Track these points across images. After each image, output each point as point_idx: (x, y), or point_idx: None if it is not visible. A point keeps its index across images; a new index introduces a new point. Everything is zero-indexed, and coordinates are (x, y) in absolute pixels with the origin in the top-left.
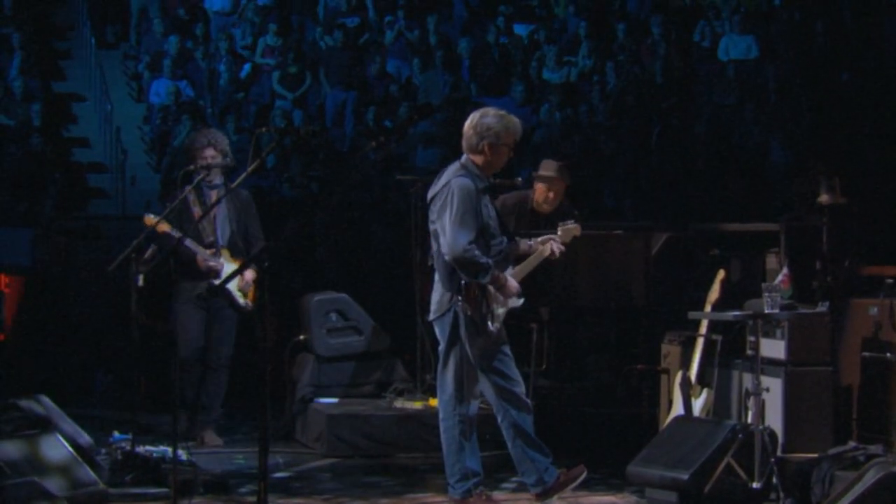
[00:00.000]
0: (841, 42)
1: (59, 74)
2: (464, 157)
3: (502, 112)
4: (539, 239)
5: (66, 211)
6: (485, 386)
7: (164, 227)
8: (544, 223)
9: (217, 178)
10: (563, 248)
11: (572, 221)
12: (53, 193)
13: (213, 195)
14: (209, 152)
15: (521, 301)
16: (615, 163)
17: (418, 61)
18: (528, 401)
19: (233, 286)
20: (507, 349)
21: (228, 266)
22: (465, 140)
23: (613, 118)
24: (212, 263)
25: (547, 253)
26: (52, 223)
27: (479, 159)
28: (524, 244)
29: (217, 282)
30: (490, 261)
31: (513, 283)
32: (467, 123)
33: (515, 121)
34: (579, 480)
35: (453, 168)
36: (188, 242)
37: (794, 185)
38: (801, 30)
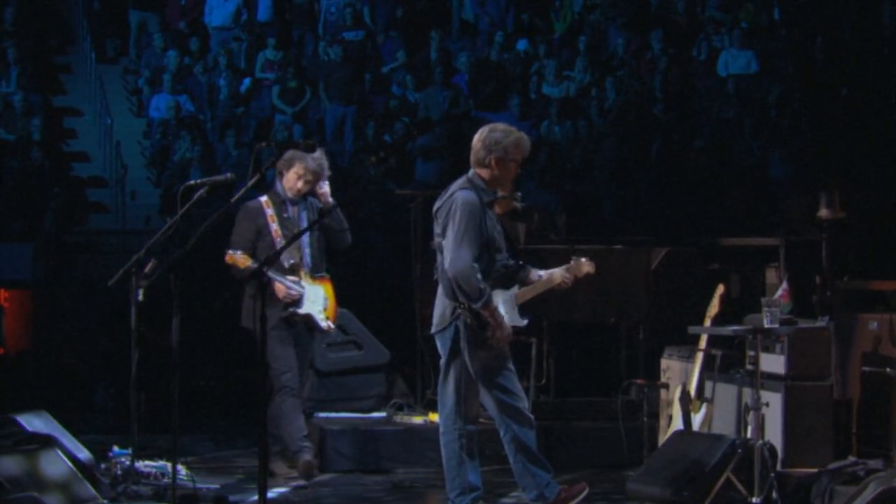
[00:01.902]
0: (840, 57)
1: (60, 89)
2: (471, 171)
3: (512, 128)
4: (549, 271)
5: (66, 225)
6: (487, 400)
7: (246, 260)
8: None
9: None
10: (572, 280)
11: (587, 258)
12: (53, 208)
13: (296, 211)
14: (308, 176)
15: (525, 321)
16: (615, 177)
17: (411, 78)
18: (531, 416)
19: (315, 308)
20: (510, 364)
21: (309, 289)
22: (473, 154)
23: (613, 133)
24: (293, 292)
25: (555, 283)
26: (53, 237)
27: (485, 173)
28: (535, 275)
29: (301, 310)
30: (488, 288)
31: (507, 329)
32: (476, 137)
33: (524, 137)
34: (581, 497)
35: (460, 182)
36: (270, 273)
37: (790, 203)
38: (800, 45)
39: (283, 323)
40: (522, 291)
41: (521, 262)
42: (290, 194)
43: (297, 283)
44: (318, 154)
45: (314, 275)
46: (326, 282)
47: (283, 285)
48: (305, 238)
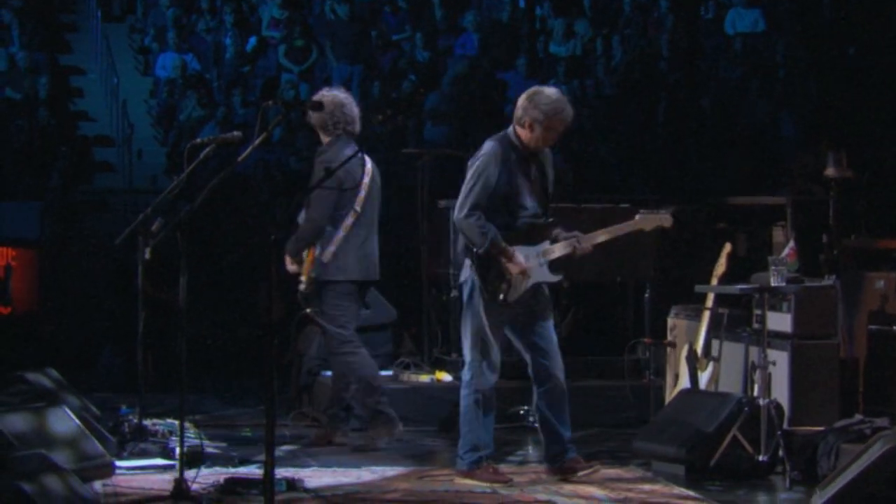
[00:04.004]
0: (848, 16)
1: (65, 47)
2: (510, 127)
3: (560, 98)
4: (565, 238)
5: (73, 184)
6: (525, 356)
7: None
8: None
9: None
10: (587, 249)
11: (665, 211)
12: (60, 167)
13: None
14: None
15: (558, 278)
16: (622, 137)
17: (420, 36)
18: (560, 376)
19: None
20: (544, 323)
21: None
22: (515, 110)
23: (620, 92)
24: (290, 268)
25: (569, 250)
26: (59, 197)
27: (521, 133)
28: (562, 234)
29: (303, 287)
30: (492, 231)
31: (518, 259)
32: (523, 95)
33: (566, 110)
34: (589, 472)
35: (497, 135)
36: None
37: (797, 160)
38: (807, 3)
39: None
40: (551, 248)
41: (550, 220)
42: None
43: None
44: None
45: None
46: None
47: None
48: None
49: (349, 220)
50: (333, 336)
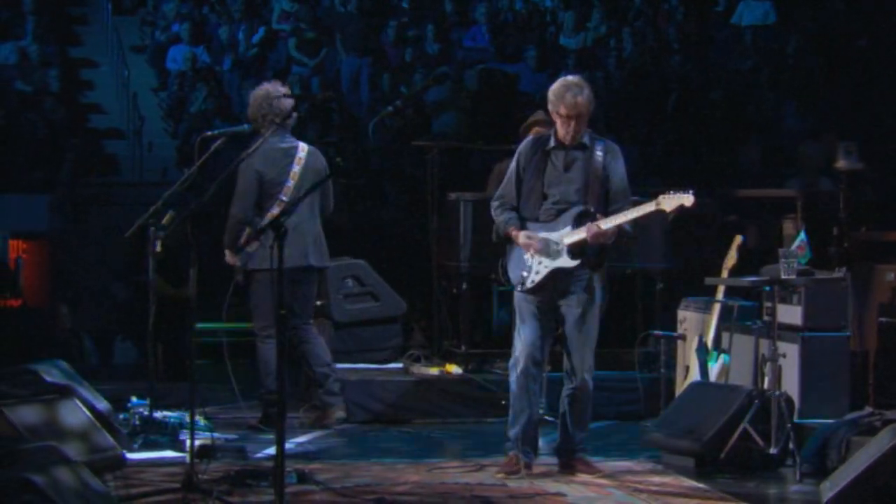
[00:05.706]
0: (859, 8)
1: (76, 40)
2: None
3: (563, 83)
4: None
5: (83, 177)
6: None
7: None
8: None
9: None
10: (602, 233)
11: (690, 192)
12: (70, 159)
13: None
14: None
15: (574, 263)
16: (632, 129)
17: (433, 27)
18: (586, 377)
19: None
20: (576, 317)
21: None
22: None
23: (630, 84)
24: (229, 260)
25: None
26: (69, 189)
27: (555, 125)
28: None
29: (238, 277)
30: (503, 218)
31: (521, 239)
32: None
33: (567, 94)
34: (590, 477)
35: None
36: None
37: (807, 152)
38: None
39: None
40: (570, 233)
41: (590, 209)
42: None
43: None
44: None
45: None
46: None
47: None
48: None
49: (275, 211)
50: (254, 322)
